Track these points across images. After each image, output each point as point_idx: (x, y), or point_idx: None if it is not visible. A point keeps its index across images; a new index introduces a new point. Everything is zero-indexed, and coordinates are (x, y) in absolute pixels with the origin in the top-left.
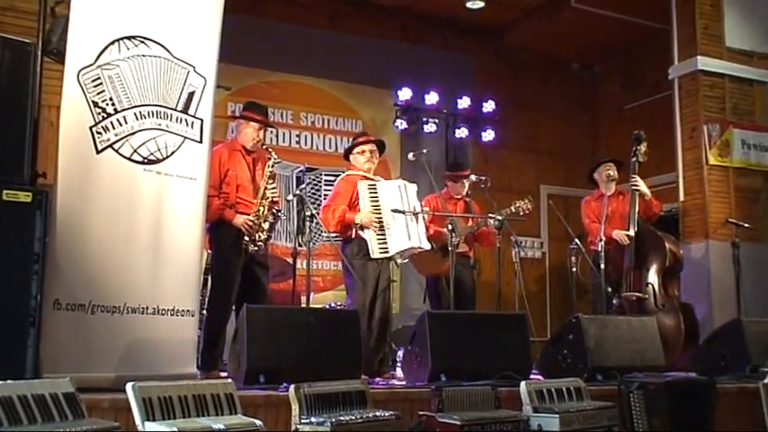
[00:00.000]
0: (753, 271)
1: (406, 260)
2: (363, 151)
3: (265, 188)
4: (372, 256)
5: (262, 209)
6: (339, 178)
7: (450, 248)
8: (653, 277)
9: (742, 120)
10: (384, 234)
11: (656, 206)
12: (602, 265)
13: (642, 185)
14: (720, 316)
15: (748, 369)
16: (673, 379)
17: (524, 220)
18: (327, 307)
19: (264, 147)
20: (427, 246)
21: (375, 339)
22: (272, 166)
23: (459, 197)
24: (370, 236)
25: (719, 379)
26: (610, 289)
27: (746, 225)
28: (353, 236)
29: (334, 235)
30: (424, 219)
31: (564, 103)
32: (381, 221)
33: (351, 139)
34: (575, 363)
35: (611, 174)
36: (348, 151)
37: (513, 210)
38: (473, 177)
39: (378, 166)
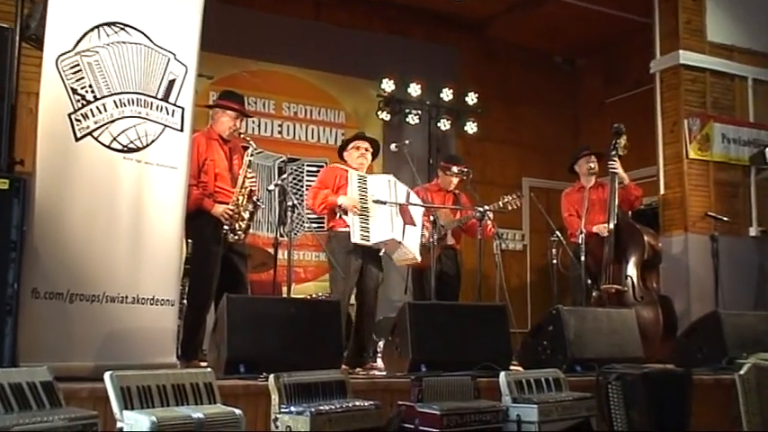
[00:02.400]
0: (731, 264)
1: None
2: (358, 147)
3: (244, 177)
4: (352, 239)
5: (241, 198)
6: (326, 166)
7: (431, 240)
8: (632, 270)
9: (722, 114)
10: (368, 221)
11: (636, 189)
12: (583, 258)
13: (620, 169)
14: (699, 308)
15: (725, 361)
16: (650, 370)
17: (507, 211)
18: (309, 297)
19: (242, 136)
20: (413, 245)
21: (359, 332)
22: (251, 155)
23: (449, 190)
24: (353, 220)
25: (697, 371)
26: (590, 281)
27: (725, 219)
28: (335, 227)
29: (315, 226)
30: (423, 225)
31: (546, 97)
32: (367, 209)
33: (343, 137)
34: (554, 354)
35: (593, 167)
36: (342, 148)
37: (501, 205)
38: (455, 169)
39: None
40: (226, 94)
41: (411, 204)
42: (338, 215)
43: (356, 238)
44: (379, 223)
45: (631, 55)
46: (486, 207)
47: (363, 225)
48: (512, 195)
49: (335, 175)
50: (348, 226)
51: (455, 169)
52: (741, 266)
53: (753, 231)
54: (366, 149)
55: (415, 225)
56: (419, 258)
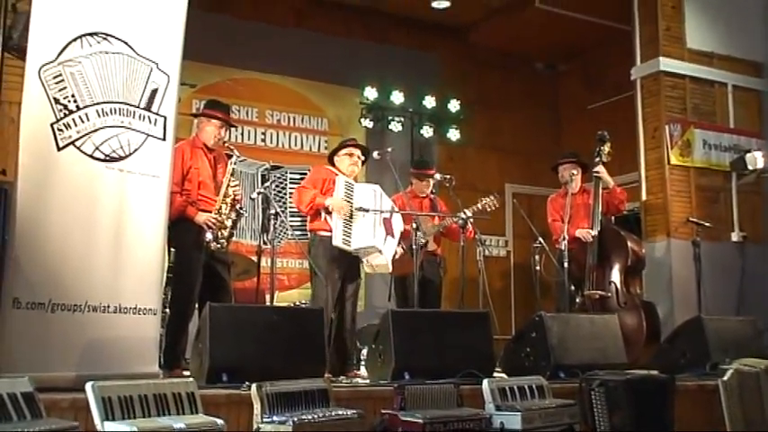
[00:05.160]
0: (713, 269)
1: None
2: (351, 154)
3: (227, 186)
4: (334, 242)
5: (224, 206)
6: (316, 165)
7: (414, 246)
8: (615, 276)
9: (703, 120)
10: (351, 226)
11: (621, 193)
12: (566, 264)
13: (605, 174)
14: (682, 314)
15: (708, 366)
16: (633, 376)
17: (488, 218)
18: (292, 305)
19: (225, 144)
20: (389, 255)
21: (341, 339)
22: (234, 164)
23: (424, 195)
24: (336, 223)
25: (680, 376)
26: (573, 287)
27: (707, 224)
28: (319, 230)
29: (299, 233)
30: (400, 234)
31: (528, 103)
32: (350, 216)
33: (326, 144)
34: (537, 361)
35: (574, 173)
36: (334, 152)
37: (480, 207)
38: (438, 176)
39: None
40: (211, 104)
41: (395, 212)
42: (323, 217)
43: (338, 240)
44: (361, 230)
45: (612, 61)
46: (466, 211)
47: (346, 230)
48: (490, 197)
49: (324, 177)
50: (331, 230)
51: (438, 176)
52: (723, 272)
53: (734, 237)
54: (358, 157)
55: (394, 237)
56: (390, 268)
